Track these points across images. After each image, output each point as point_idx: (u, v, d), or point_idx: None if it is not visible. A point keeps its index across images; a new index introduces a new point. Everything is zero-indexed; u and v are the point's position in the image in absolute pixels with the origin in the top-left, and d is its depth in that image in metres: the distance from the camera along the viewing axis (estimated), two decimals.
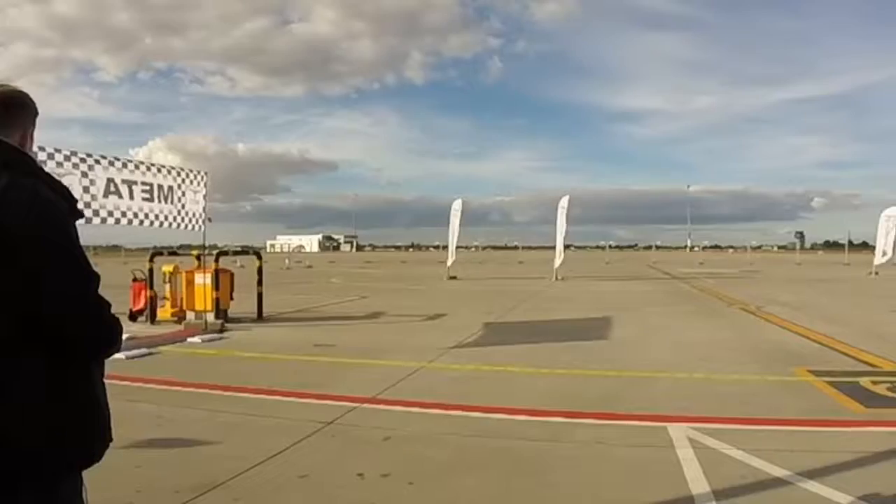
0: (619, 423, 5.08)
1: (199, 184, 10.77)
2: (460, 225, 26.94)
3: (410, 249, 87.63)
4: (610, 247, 66.61)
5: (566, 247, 27.67)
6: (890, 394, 5.91)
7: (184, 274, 11.83)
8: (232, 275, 12.08)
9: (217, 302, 11.25)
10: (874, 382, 6.35)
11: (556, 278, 24.89)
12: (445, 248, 28.64)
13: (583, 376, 6.96)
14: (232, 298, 12.01)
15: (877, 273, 28.83)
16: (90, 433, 1.65)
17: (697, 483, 3.73)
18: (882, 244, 30.07)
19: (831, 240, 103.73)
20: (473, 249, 74.30)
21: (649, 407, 5.56)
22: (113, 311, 1.69)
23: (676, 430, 4.74)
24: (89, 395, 1.65)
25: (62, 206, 1.61)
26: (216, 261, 11.74)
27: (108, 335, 1.65)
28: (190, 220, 10.56)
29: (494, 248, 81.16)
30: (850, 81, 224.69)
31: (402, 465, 4.14)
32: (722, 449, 4.33)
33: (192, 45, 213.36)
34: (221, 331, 10.43)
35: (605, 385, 6.51)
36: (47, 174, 1.68)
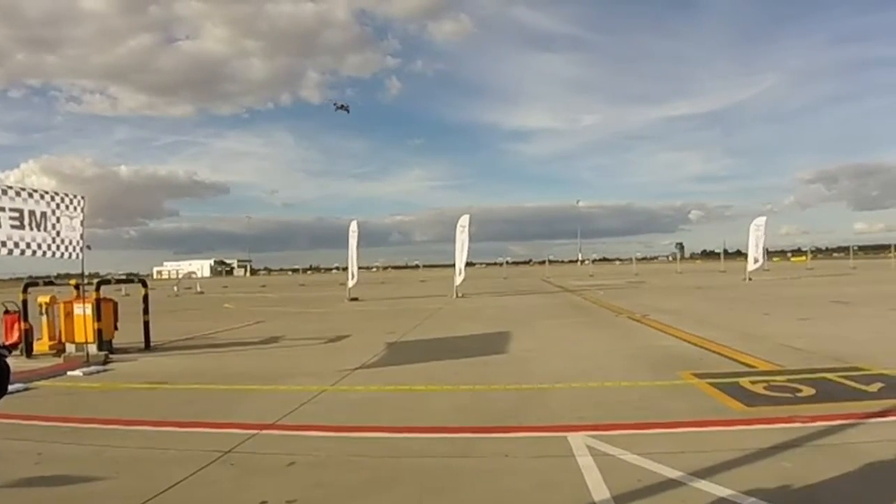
0: (522, 436, 5.18)
1: (75, 209, 10.07)
2: (360, 245, 26.73)
3: (309, 272, 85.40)
4: (507, 263, 67.99)
5: (468, 264, 28.07)
6: (767, 392, 6.38)
7: (62, 304, 11.14)
8: (115, 304, 11.51)
9: (99, 333, 10.72)
10: (752, 382, 6.84)
11: (457, 296, 25.22)
12: (346, 269, 28.32)
13: (486, 391, 7.05)
14: (116, 328, 11.50)
15: (750, 279, 31.34)
16: None
17: (598, 490, 3.86)
18: (753, 252, 32.75)
19: (708, 249, 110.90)
20: (374, 270, 73.62)
21: (549, 418, 5.72)
22: None
23: (576, 439, 4.90)
24: None
25: None
26: (97, 290, 11.08)
27: (2, 382, 1.48)
28: (66, 248, 9.85)
29: (395, 267, 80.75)
30: (720, 100, 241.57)
31: (308, 491, 4.02)
32: (618, 455, 4.51)
33: (69, 61, 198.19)
34: (105, 362, 9.83)
35: (508, 399, 6.64)
36: None
